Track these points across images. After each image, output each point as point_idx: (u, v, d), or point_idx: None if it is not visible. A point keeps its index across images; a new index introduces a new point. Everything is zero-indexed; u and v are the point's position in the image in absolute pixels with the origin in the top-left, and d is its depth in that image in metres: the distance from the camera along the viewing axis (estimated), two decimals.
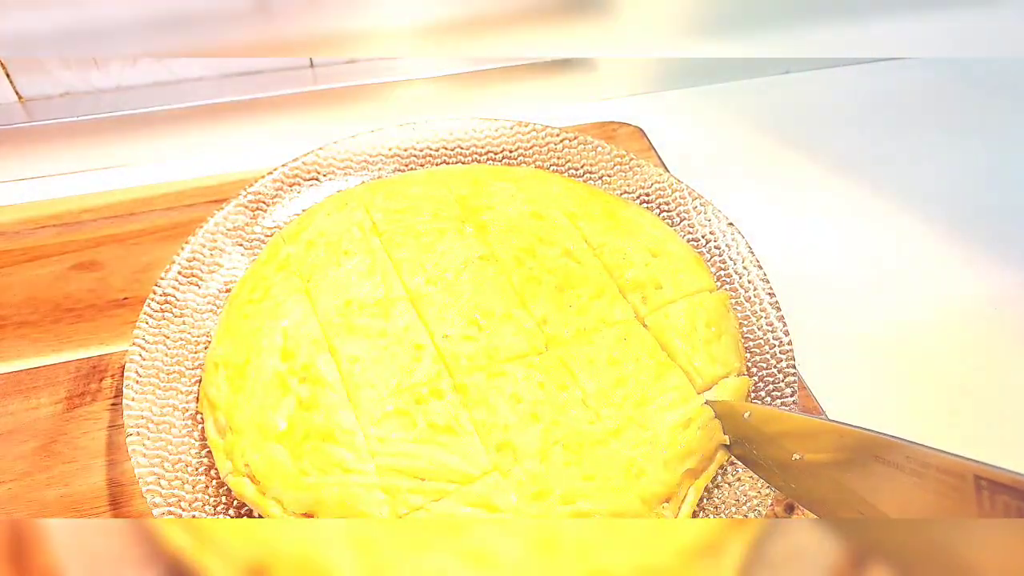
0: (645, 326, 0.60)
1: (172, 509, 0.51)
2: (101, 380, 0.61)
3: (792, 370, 0.58)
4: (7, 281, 0.67)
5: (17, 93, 0.80)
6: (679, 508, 0.52)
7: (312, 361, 0.56)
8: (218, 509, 0.53)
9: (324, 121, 0.87)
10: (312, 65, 0.86)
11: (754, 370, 0.60)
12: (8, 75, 0.78)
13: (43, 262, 0.69)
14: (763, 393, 0.58)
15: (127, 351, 0.63)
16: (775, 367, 0.59)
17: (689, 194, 0.71)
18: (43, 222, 0.72)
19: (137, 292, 0.67)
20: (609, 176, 0.74)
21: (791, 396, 0.57)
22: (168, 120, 0.82)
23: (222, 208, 0.67)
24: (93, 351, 0.63)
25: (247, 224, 0.68)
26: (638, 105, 0.92)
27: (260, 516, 0.52)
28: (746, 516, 0.52)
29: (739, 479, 0.55)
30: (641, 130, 0.86)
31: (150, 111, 0.82)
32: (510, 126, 0.76)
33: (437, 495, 0.50)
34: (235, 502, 0.54)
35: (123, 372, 0.61)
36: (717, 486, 0.55)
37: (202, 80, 0.84)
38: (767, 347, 0.61)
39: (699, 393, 0.56)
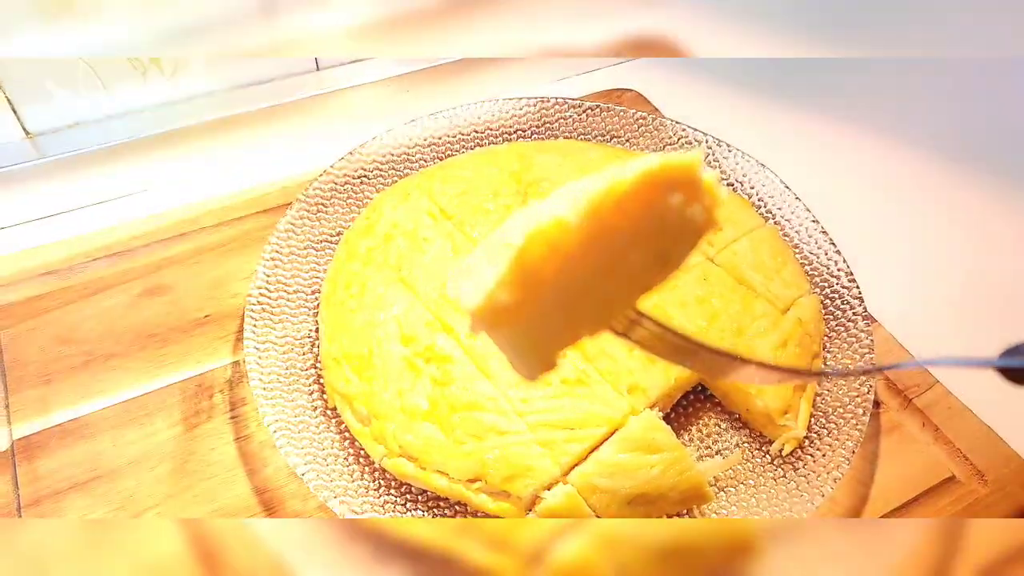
0: (716, 265, 0.66)
1: (344, 499, 0.53)
2: (211, 397, 0.62)
3: (854, 284, 0.65)
4: (78, 317, 0.66)
5: (24, 129, 0.77)
6: (797, 417, 0.58)
7: (432, 342, 0.59)
8: (380, 492, 0.55)
9: (335, 122, 0.88)
10: (318, 68, 0.87)
11: (816, 290, 0.67)
12: (15, 110, 0.75)
13: (108, 293, 0.68)
14: (833, 308, 0.65)
15: (240, 362, 0.64)
16: (837, 284, 0.66)
17: (716, 143, 0.77)
18: (93, 254, 0.70)
19: (216, 308, 0.67)
20: (635, 138, 0.79)
21: (860, 306, 0.64)
22: (182, 138, 0.81)
23: (286, 214, 0.68)
24: (192, 371, 0.63)
25: (312, 225, 0.70)
26: (623, 72, 0.97)
27: (424, 491, 0.55)
28: (854, 413, 0.58)
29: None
30: (641, 94, 0.91)
31: (163, 132, 0.81)
32: (534, 103, 0.80)
33: (592, 441, 0.54)
34: (393, 483, 0.56)
35: (231, 386, 0.63)
36: (818, 394, 0.61)
37: (212, 94, 0.83)
38: (823, 268, 0.68)
39: (782, 315, 0.63)
